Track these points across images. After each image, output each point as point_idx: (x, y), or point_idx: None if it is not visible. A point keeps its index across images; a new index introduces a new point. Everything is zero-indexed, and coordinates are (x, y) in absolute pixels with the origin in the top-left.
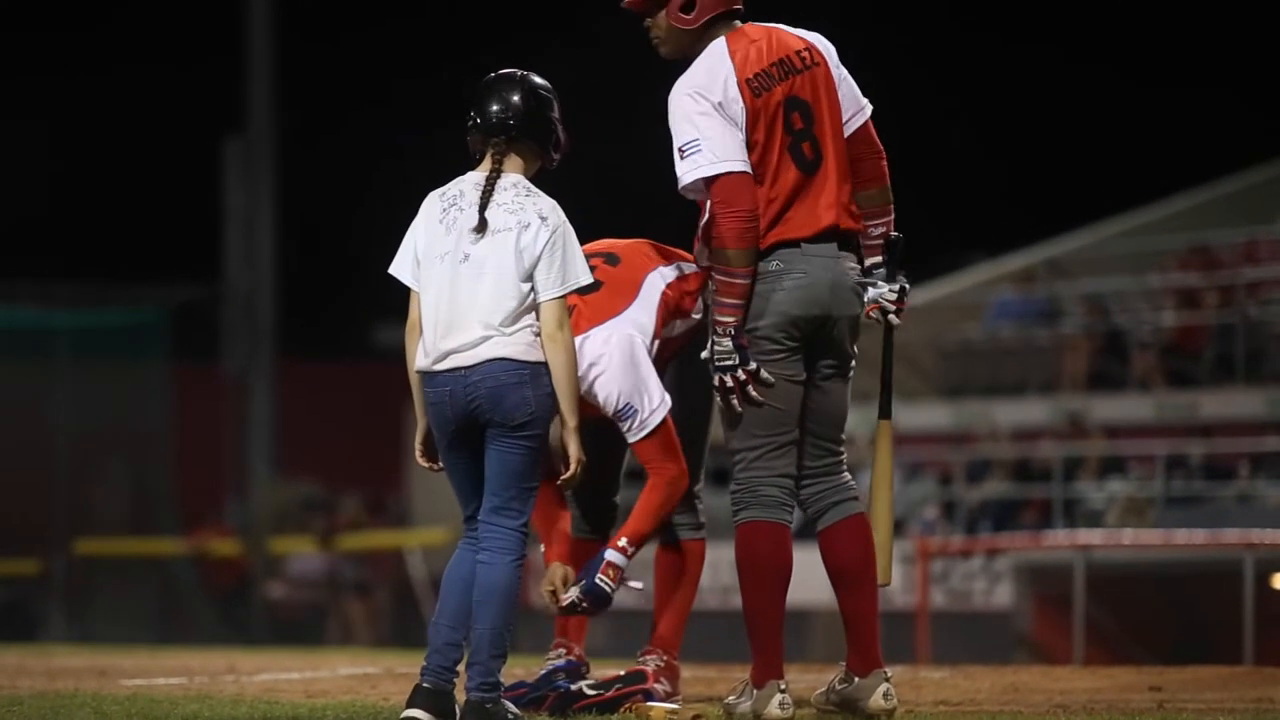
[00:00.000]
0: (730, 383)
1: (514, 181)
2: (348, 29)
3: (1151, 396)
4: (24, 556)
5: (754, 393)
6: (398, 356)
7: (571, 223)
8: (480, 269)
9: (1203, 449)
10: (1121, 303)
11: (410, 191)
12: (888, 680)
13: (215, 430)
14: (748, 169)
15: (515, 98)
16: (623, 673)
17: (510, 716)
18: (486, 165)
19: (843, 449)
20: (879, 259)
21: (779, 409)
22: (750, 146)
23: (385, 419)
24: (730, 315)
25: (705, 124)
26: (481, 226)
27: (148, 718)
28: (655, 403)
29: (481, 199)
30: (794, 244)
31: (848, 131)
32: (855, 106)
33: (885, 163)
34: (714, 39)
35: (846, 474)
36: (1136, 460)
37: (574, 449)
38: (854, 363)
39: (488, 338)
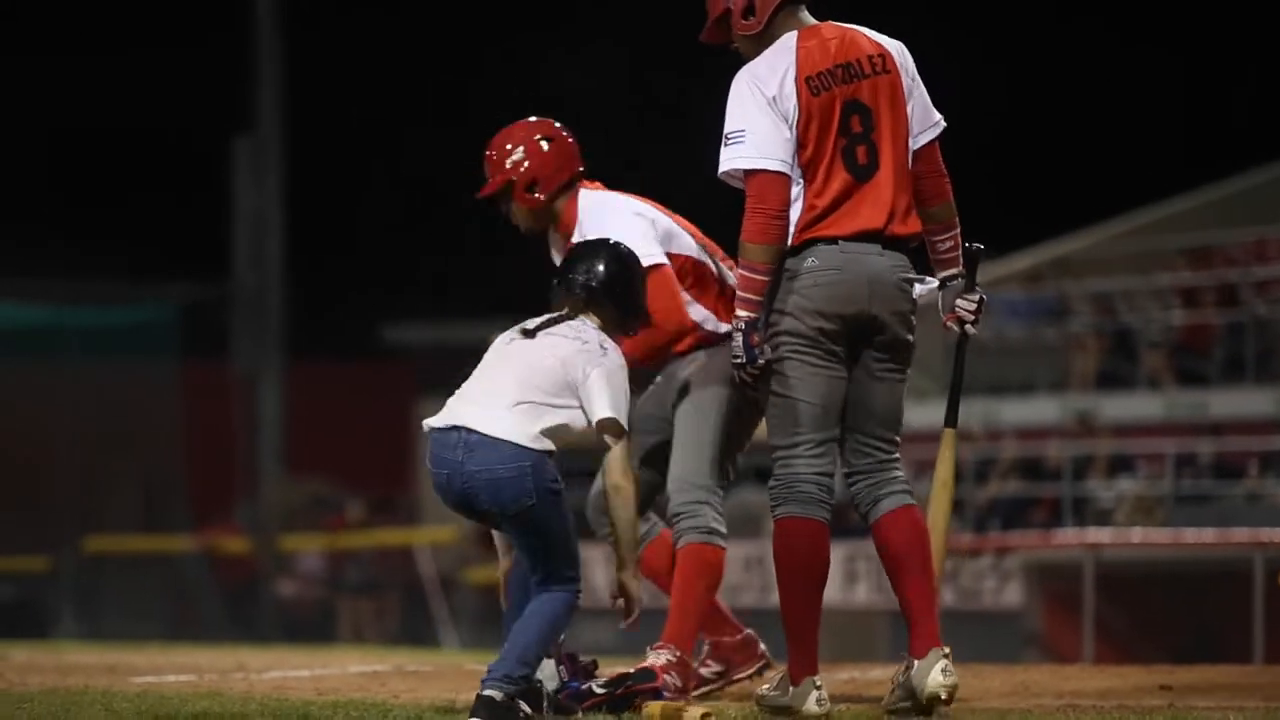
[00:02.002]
0: (743, 378)
1: (586, 323)
2: (355, 28)
3: (1161, 395)
4: (34, 553)
5: (777, 389)
6: (406, 354)
7: None
8: (518, 353)
9: (1212, 448)
10: (1129, 302)
11: (417, 191)
12: (945, 657)
13: (225, 428)
14: (785, 170)
15: (600, 266)
16: (632, 670)
17: (522, 716)
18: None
19: (894, 448)
20: (954, 271)
21: (816, 406)
22: (801, 144)
23: (394, 417)
24: (745, 310)
25: (755, 116)
26: (535, 329)
27: (158, 715)
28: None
29: (545, 321)
30: (831, 241)
31: (916, 144)
32: (927, 121)
33: (948, 181)
34: (787, 32)
35: (899, 471)
36: (1146, 459)
37: (634, 589)
38: (907, 361)
39: (494, 414)
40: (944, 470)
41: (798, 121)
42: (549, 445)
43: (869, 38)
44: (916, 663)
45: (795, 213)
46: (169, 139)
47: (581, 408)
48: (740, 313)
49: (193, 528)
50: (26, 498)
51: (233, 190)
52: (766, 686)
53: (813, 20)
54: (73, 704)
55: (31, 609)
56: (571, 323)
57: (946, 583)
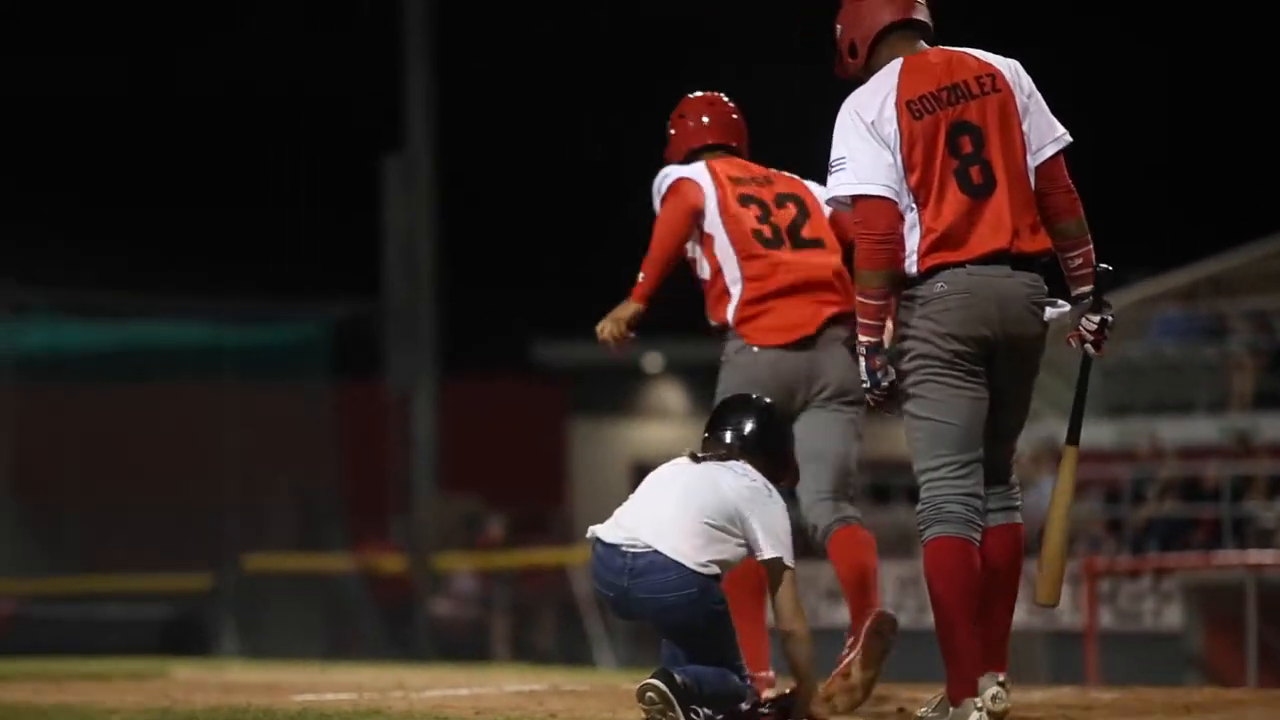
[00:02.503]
0: (870, 402)
1: (746, 465)
2: (505, 44)
3: None
4: (196, 572)
5: (917, 413)
6: (558, 372)
7: None
8: (686, 479)
9: None
10: None
11: (570, 209)
12: (999, 684)
13: (379, 446)
14: (887, 194)
15: (749, 425)
16: (781, 692)
17: (694, 714)
18: None
19: (1011, 467)
20: (1087, 289)
21: (958, 426)
22: (909, 168)
23: (547, 435)
24: (865, 335)
25: (855, 143)
26: (701, 458)
27: None
28: None
29: (709, 455)
30: (959, 265)
31: (1038, 160)
32: (1047, 137)
33: (1075, 197)
34: (894, 58)
35: (1011, 485)
36: None
37: (820, 711)
38: (1031, 386)
39: (664, 531)
40: (1063, 487)
41: (900, 146)
42: (716, 571)
43: (977, 58)
44: (951, 707)
45: (914, 239)
46: (321, 157)
47: (745, 543)
48: (861, 338)
49: (349, 546)
50: (187, 516)
51: (384, 208)
52: (925, 709)
53: (924, 47)
54: None
55: (193, 627)
56: (733, 463)
57: (1105, 603)
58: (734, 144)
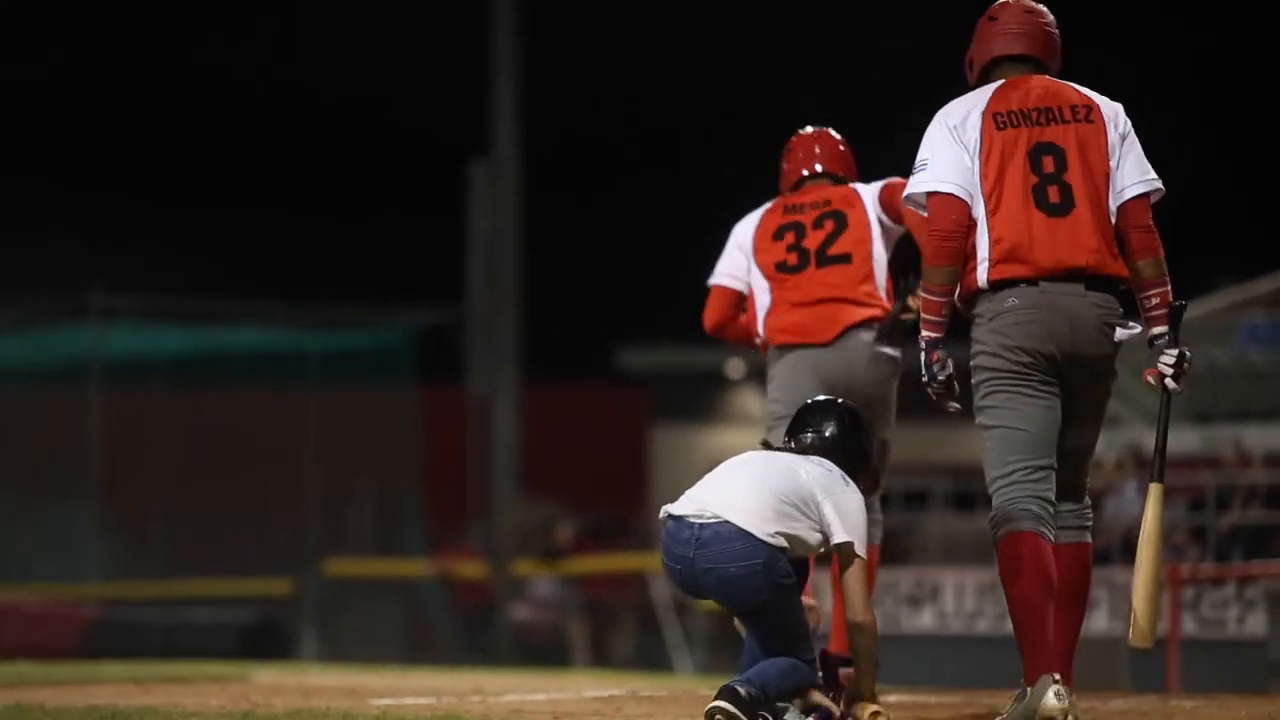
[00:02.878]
0: (932, 396)
1: (826, 460)
2: (590, 52)
3: None
4: (278, 576)
5: (945, 405)
6: (641, 378)
7: None
8: (761, 460)
9: None
10: None
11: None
12: (1057, 682)
13: (461, 451)
14: (958, 193)
15: (830, 427)
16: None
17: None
18: None
19: (1083, 481)
20: (1163, 329)
21: (1028, 432)
22: (984, 175)
23: (629, 441)
24: (927, 330)
25: (938, 144)
26: (779, 448)
27: None
28: None
29: (788, 447)
30: (1031, 282)
31: (1122, 198)
32: (1134, 178)
33: (1155, 238)
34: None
35: (1083, 504)
36: None
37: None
38: (1102, 403)
39: (733, 503)
40: (1152, 525)
41: (980, 152)
42: (783, 544)
43: (1079, 91)
44: (1029, 690)
45: (984, 246)
46: (407, 164)
47: (818, 527)
48: (923, 333)
49: (429, 551)
50: (269, 521)
51: (469, 214)
52: (1006, 708)
53: (1037, 74)
54: None
55: (274, 631)
56: (813, 456)
57: (1188, 611)
58: (832, 171)
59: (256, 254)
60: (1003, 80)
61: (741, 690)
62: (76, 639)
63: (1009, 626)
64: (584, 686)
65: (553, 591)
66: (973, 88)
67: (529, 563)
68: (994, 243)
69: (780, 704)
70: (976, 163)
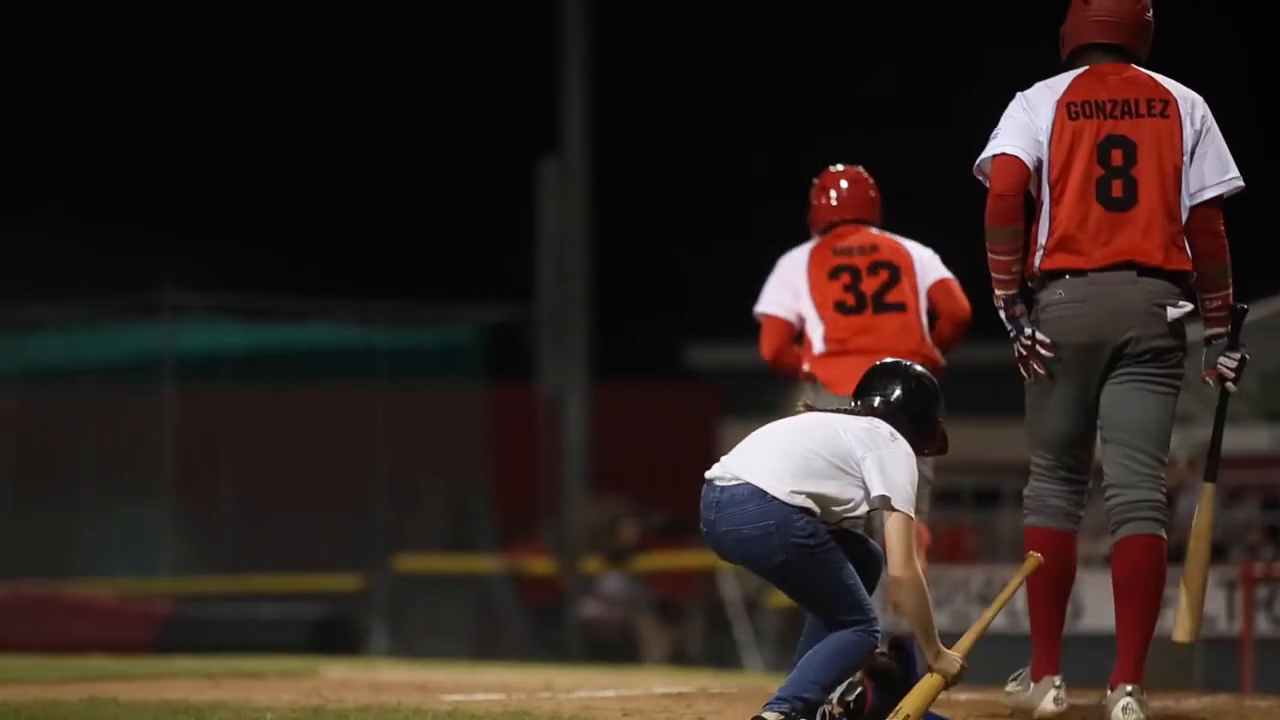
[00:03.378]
0: (1021, 352)
1: (881, 422)
2: (658, 51)
3: None
4: (347, 572)
5: (1035, 366)
6: (710, 376)
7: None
8: (802, 420)
9: None
10: None
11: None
12: (1129, 695)
13: (529, 449)
14: (1020, 154)
15: (896, 389)
16: None
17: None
18: None
19: (1151, 461)
20: (1221, 330)
21: (1058, 428)
22: (1052, 163)
23: (698, 439)
24: (999, 289)
25: (1011, 116)
26: (807, 408)
27: None
28: None
29: (839, 410)
30: (1080, 272)
31: (1198, 199)
32: (1212, 178)
33: (1223, 243)
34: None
35: (1154, 491)
36: None
37: (945, 666)
38: (1164, 377)
39: (756, 462)
40: (1202, 522)
41: (1050, 140)
42: (806, 503)
43: (1159, 84)
44: (1109, 694)
45: (1044, 234)
46: (475, 161)
47: (861, 483)
48: (997, 292)
49: (498, 548)
50: (339, 517)
51: (538, 211)
52: (1013, 684)
53: (1122, 62)
54: None
55: (345, 627)
56: (865, 416)
57: (1261, 610)
58: (864, 217)
59: (326, 251)
60: (1086, 68)
61: (784, 707)
62: (150, 634)
63: (1079, 625)
64: (653, 683)
65: (622, 588)
66: (1061, 61)
67: (597, 560)
68: (1051, 231)
69: (830, 697)
70: (1046, 150)
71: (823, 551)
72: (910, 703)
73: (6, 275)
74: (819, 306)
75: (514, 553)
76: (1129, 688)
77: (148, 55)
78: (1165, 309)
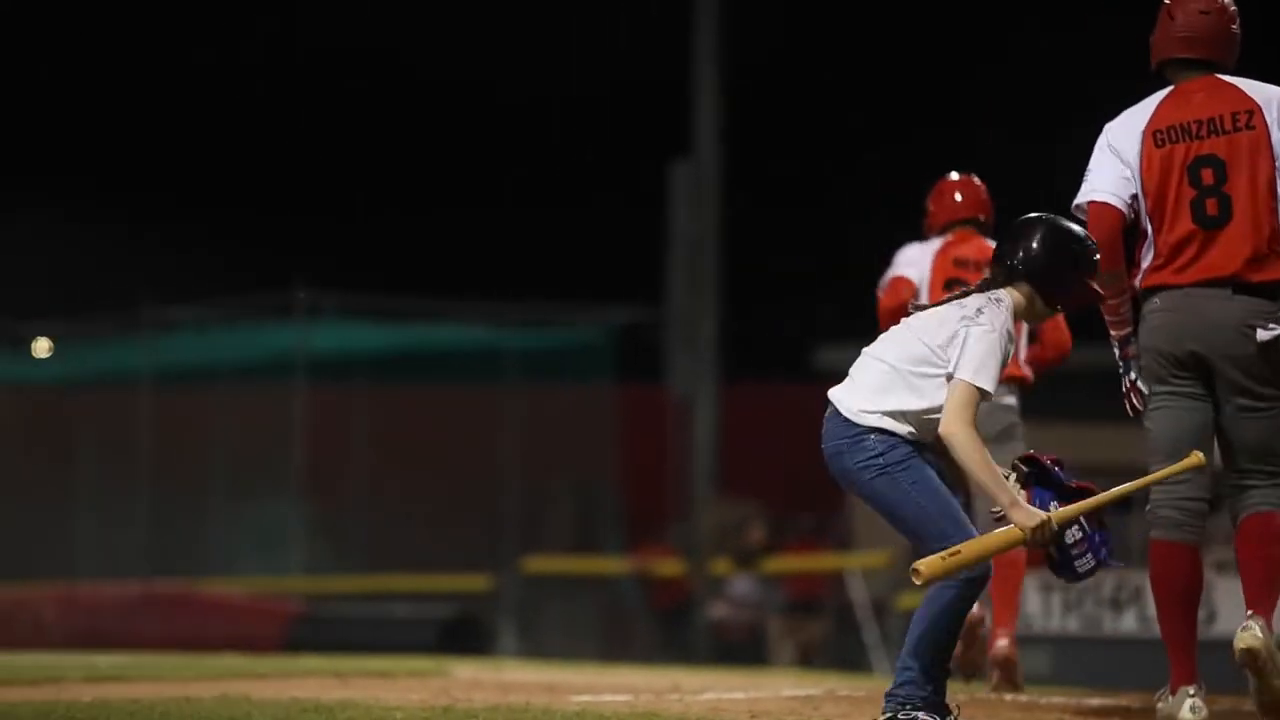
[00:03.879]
0: (1124, 387)
1: (994, 294)
2: (794, 50)
3: None
4: (477, 573)
5: (1134, 402)
6: (840, 377)
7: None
8: (902, 324)
9: None
10: None
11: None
12: (1192, 695)
13: (659, 450)
14: (1112, 200)
15: (1028, 242)
16: None
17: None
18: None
19: (1272, 473)
20: None
21: (1168, 436)
22: (1145, 192)
23: None
24: (1112, 330)
25: (1098, 158)
26: (920, 308)
27: None
28: None
29: (959, 294)
30: (1177, 288)
31: None
32: None
33: None
34: (1174, 82)
35: (1275, 489)
36: None
37: (1021, 519)
38: (1267, 398)
39: (844, 386)
40: None
41: (1140, 170)
42: (879, 422)
43: (1241, 92)
44: (1170, 696)
45: (1148, 259)
46: (607, 162)
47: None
48: (1111, 332)
49: (627, 549)
50: (469, 518)
51: (669, 214)
52: (1160, 703)
53: (1206, 75)
54: None
55: (474, 627)
56: (977, 293)
57: None
58: (981, 217)
59: (458, 252)
60: (1170, 89)
61: (892, 707)
62: (280, 632)
63: (1210, 631)
64: (782, 686)
65: (751, 590)
66: (1152, 70)
67: (725, 562)
68: (1154, 255)
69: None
70: (1138, 179)
71: (899, 470)
72: (971, 546)
73: (142, 278)
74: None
75: (642, 554)
76: (1191, 689)
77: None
78: (1255, 330)
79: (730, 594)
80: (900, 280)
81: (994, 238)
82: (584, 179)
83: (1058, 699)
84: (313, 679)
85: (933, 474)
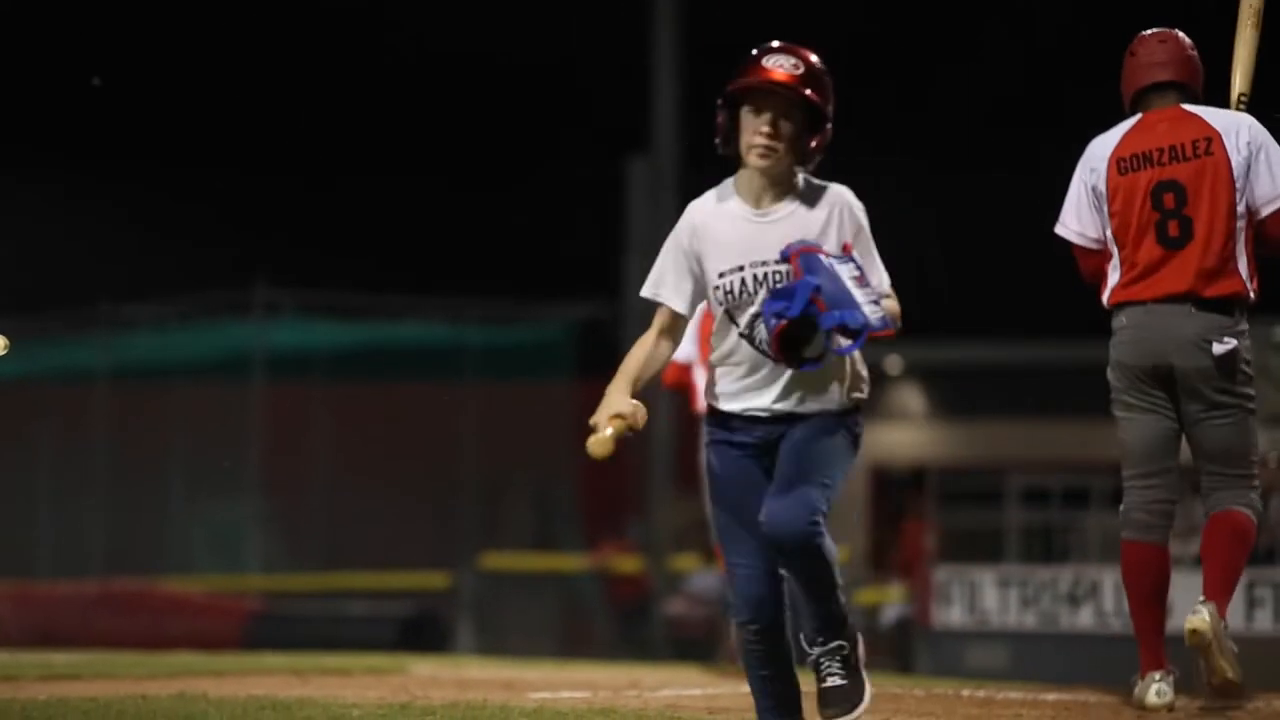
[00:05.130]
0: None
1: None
2: (752, 44)
3: None
4: (435, 570)
5: (1118, 431)
6: None
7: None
8: None
9: None
10: None
11: None
12: (1158, 680)
13: (617, 448)
14: (1084, 241)
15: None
16: None
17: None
18: None
19: (1239, 474)
20: None
21: (1136, 444)
22: (1111, 214)
23: None
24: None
25: (1074, 188)
26: None
27: None
28: None
29: None
30: (1140, 304)
31: (1260, 215)
32: (1266, 195)
33: None
34: (1145, 112)
35: (1246, 491)
36: None
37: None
38: (1227, 407)
39: None
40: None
41: (1107, 196)
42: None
43: (1203, 121)
44: (1139, 681)
45: (1115, 277)
46: (565, 159)
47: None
48: None
49: (585, 546)
50: (427, 514)
51: (627, 209)
52: (1135, 690)
53: (1175, 104)
54: (472, 718)
55: (432, 624)
56: None
57: None
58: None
59: (416, 249)
60: (1137, 118)
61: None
62: (238, 630)
63: (1171, 626)
64: (740, 682)
65: (711, 586)
66: (1126, 112)
67: (686, 557)
68: (1121, 274)
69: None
70: (1105, 206)
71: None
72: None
73: (99, 275)
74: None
75: (601, 551)
76: (1157, 674)
77: (234, 44)
78: (1211, 344)
79: (689, 590)
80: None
81: None
82: (542, 176)
83: (1015, 694)
84: (271, 676)
85: None
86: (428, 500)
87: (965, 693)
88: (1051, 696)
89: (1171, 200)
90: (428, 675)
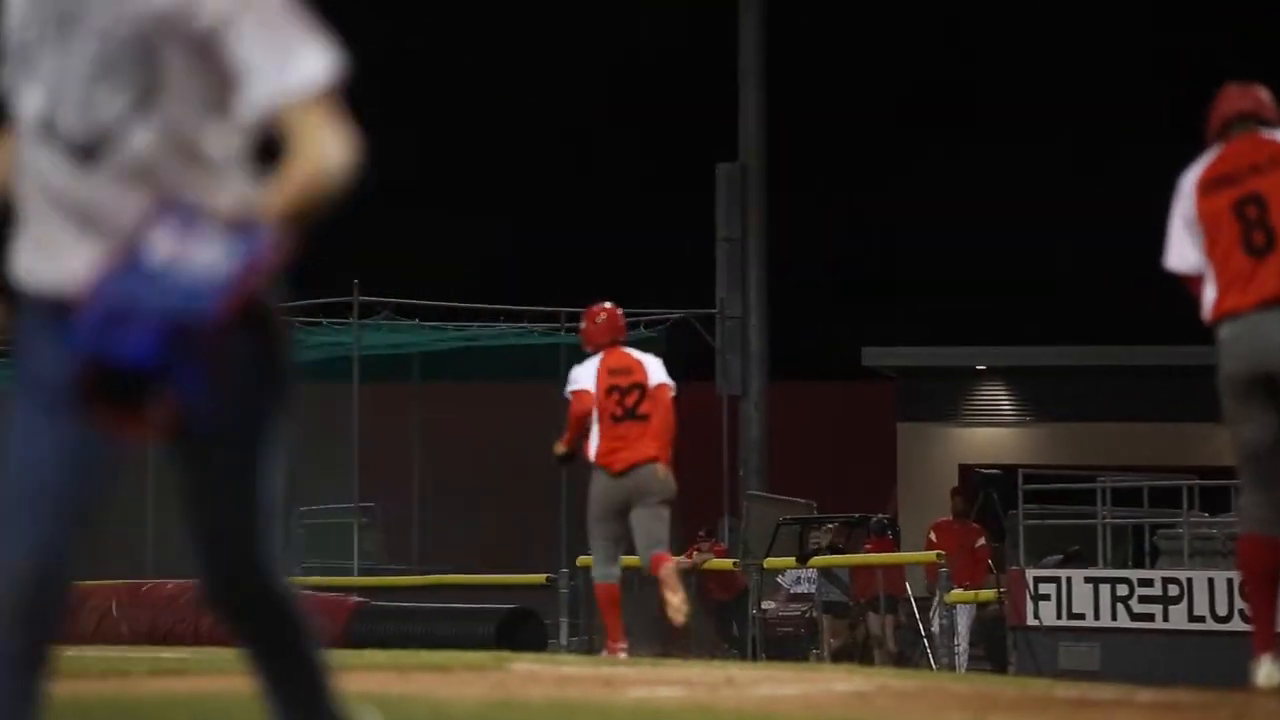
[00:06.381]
0: None
1: None
2: (834, 55)
3: None
4: (534, 569)
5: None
6: (885, 377)
7: None
8: None
9: None
10: None
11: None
12: (1271, 662)
13: (710, 449)
14: (1186, 269)
15: None
16: None
17: None
18: None
19: None
20: None
21: (1246, 445)
22: (1202, 233)
23: (874, 439)
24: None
25: (1172, 222)
26: None
27: None
28: None
29: None
30: (1239, 314)
31: None
32: None
33: None
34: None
35: None
36: None
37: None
38: None
39: None
40: None
41: (1196, 215)
42: None
43: (1277, 140)
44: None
45: (1211, 292)
46: (657, 165)
47: None
48: None
49: (681, 546)
50: (525, 514)
51: (716, 215)
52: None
53: (1260, 130)
54: (572, 714)
55: (532, 622)
56: None
57: None
58: (620, 338)
59: (512, 253)
60: (1218, 147)
61: None
62: (341, 627)
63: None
64: (834, 681)
65: (804, 587)
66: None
67: (779, 559)
68: (1217, 289)
69: None
70: (1195, 226)
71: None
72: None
73: None
74: (600, 417)
75: (696, 550)
76: (1264, 656)
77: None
78: None
79: (783, 590)
80: (582, 393)
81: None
82: (636, 182)
83: (1108, 693)
84: (373, 673)
85: None
86: (527, 499)
87: (1058, 693)
88: (1145, 696)
89: (1254, 212)
90: (527, 672)
